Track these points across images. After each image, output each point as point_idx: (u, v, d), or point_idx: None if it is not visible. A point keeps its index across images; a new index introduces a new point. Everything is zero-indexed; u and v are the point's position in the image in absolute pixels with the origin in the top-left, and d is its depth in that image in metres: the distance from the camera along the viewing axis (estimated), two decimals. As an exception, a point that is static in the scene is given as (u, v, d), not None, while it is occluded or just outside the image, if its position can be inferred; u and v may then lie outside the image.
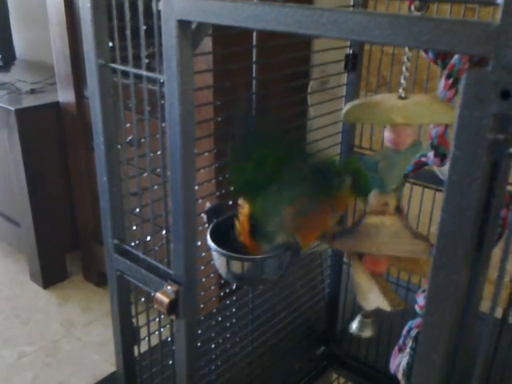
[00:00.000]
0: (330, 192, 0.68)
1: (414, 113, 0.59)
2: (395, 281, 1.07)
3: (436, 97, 0.62)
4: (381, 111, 0.60)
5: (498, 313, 0.80)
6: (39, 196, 1.74)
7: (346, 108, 0.63)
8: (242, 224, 0.71)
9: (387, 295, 0.67)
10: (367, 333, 0.76)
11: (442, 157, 0.76)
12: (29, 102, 1.72)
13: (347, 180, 0.69)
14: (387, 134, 0.64)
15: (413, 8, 0.73)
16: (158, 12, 0.56)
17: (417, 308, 0.82)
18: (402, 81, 0.63)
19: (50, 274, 1.87)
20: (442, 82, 0.74)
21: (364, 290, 0.70)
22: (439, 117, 0.60)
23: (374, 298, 0.69)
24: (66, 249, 1.90)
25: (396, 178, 0.67)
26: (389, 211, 0.67)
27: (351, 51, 0.99)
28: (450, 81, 0.73)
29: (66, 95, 1.65)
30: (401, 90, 0.62)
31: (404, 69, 0.64)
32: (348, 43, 0.99)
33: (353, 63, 1.00)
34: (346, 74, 1.02)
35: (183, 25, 0.54)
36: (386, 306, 0.68)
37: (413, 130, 0.64)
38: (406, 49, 0.66)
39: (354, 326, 0.76)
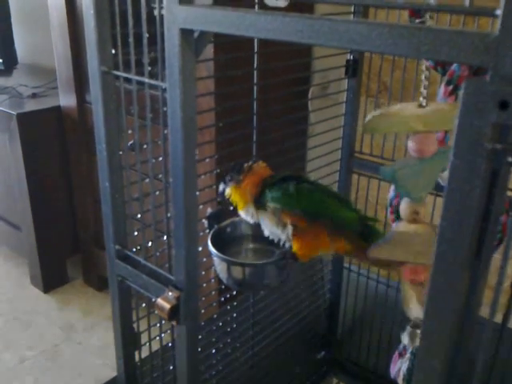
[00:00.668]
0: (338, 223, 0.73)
1: (433, 119, 0.60)
2: (395, 285, 1.07)
3: (455, 104, 0.63)
4: (401, 120, 0.61)
5: (497, 318, 0.80)
6: (40, 200, 1.75)
7: (367, 119, 0.64)
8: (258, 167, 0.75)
9: (422, 303, 0.67)
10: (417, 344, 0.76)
11: (442, 163, 0.77)
12: (30, 106, 1.73)
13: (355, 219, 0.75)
14: (410, 143, 0.65)
15: (413, 18, 0.73)
16: (161, 20, 0.57)
17: (417, 313, 0.82)
18: (422, 90, 0.64)
19: (51, 278, 1.87)
20: (442, 89, 0.74)
21: (406, 299, 0.70)
22: None
23: (414, 308, 0.69)
24: (66, 253, 1.90)
25: (423, 186, 0.66)
26: (420, 219, 0.67)
27: (352, 57, 1.00)
28: (450, 87, 0.73)
29: (67, 99, 1.66)
30: (421, 99, 0.63)
31: (423, 77, 0.65)
32: (348, 49, 0.99)
33: (353, 69, 1.01)
34: (346, 80, 1.03)
35: (186, 33, 0.54)
36: (417, 312, 0.68)
37: (435, 137, 0.65)
38: (424, 60, 0.67)
39: (406, 338, 0.75)
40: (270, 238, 0.77)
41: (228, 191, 0.76)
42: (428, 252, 0.65)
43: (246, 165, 0.75)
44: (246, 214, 0.76)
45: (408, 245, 0.66)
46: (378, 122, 0.62)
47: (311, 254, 0.77)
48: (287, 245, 0.76)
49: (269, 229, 0.76)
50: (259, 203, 0.74)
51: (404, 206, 0.68)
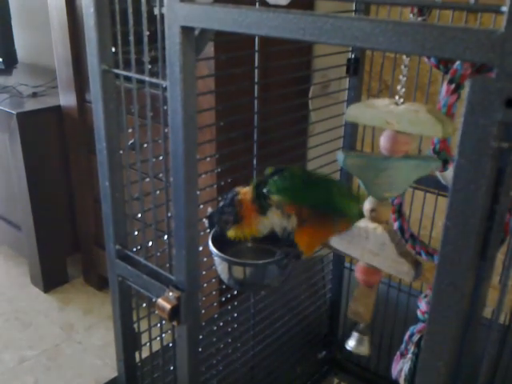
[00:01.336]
0: (338, 212, 0.72)
1: (404, 119, 0.58)
2: (397, 285, 1.07)
3: (434, 108, 0.61)
4: (378, 114, 0.60)
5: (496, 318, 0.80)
6: (40, 199, 1.74)
7: (349, 107, 0.63)
8: (244, 196, 0.74)
9: (358, 304, 0.67)
10: (363, 350, 0.74)
11: (444, 162, 0.76)
12: (30, 105, 1.73)
13: (355, 207, 0.73)
14: (381, 139, 0.63)
15: (412, 15, 0.73)
16: (162, 17, 0.56)
17: (418, 313, 0.81)
18: (399, 87, 0.63)
19: (51, 278, 1.87)
20: (444, 87, 0.74)
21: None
22: (426, 129, 0.57)
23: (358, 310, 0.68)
24: (66, 252, 1.90)
25: (385, 185, 0.63)
26: (378, 219, 0.65)
27: (353, 56, 0.99)
28: (452, 86, 0.73)
29: (67, 99, 1.66)
30: (397, 97, 0.61)
31: (401, 76, 0.64)
32: (350, 48, 0.99)
33: (354, 68, 1.00)
34: (347, 79, 1.02)
35: (187, 31, 0.54)
36: (348, 309, 0.68)
37: (409, 138, 0.61)
38: (404, 56, 0.65)
39: (351, 342, 0.74)
40: (281, 234, 0.76)
41: (232, 233, 0.75)
42: (381, 255, 0.64)
43: (236, 201, 0.74)
44: (261, 232, 0.76)
45: (364, 242, 0.65)
46: (358, 113, 0.61)
47: (315, 246, 0.77)
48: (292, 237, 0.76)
49: (278, 225, 0.75)
50: (262, 214, 0.74)
51: (366, 202, 0.66)
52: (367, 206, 0.66)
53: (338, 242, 0.67)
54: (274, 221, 0.75)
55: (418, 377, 0.42)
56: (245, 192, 0.75)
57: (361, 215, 0.71)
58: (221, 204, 0.74)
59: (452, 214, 0.36)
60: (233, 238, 0.75)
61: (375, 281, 0.69)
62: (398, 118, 0.57)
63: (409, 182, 0.64)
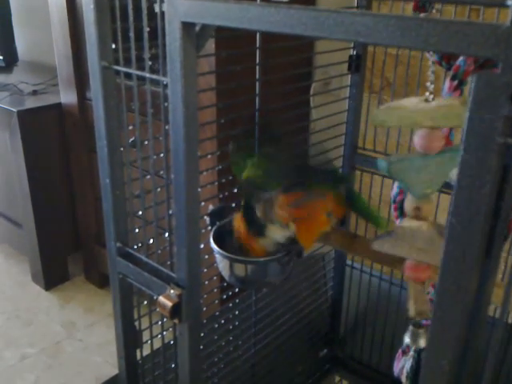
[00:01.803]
0: (324, 190, 0.73)
1: (440, 115, 0.59)
2: (398, 282, 1.07)
3: (464, 100, 0.62)
4: (407, 114, 0.60)
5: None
6: (41, 197, 1.74)
7: (376, 112, 0.63)
8: (238, 225, 0.73)
9: (418, 302, 0.66)
10: (423, 343, 0.74)
11: (447, 159, 0.76)
12: (31, 103, 1.72)
13: (342, 188, 0.74)
14: (415, 138, 0.64)
15: (414, 13, 0.72)
16: (162, 13, 0.56)
17: (421, 311, 0.81)
18: (429, 84, 0.63)
19: (52, 276, 1.87)
20: (447, 84, 0.73)
21: (408, 296, 0.69)
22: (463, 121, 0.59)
23: (411, 307, 0.68)
24: (67, 250, 1.90)
25: (427, 182, 0.65)
26: (422, 216, 0.65)
27: (355, 52, 0.99)
28: (455, 82, 0.72)
29: (68, 96, 1.65)
30: (427, 94, 0.61)
31: (430, 72, 0.64)
32: (351, 44, 0.98)
33: (356, 64, 1.00)
34: (349, 76, 1.02)
35: (187, 27, 0.53)
36: (412, 311, 0.67)
37: (442, 133, 0.63)
38: (431, 52, 0.66)
39: (408, 338, 0.74)
40: (287, 242, 0.76)
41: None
42: (430, 250, 0.64)
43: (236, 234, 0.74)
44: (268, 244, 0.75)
45: (410, 241, 0.65)
46: (385, 115, 0.61)
47: (313, 237, 0.76)
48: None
49: (280, 237, 0.75)
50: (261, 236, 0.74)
51: (407, 202, 0.67)
52: (410, 205, 0.66)
53: (381, 245, 0.67)
54: (276, 236, 0.74)
55: (422, 376, 0.42)
56: (238, 222, 0.74)
57: (350, 191, 0.72)
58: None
59: (456, 211, 0.36)
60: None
61: (427, 276, 0.69)
62: (432, 114, 0.58)
63: (446, 176, 0.66)
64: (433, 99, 0.61)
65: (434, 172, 0.64)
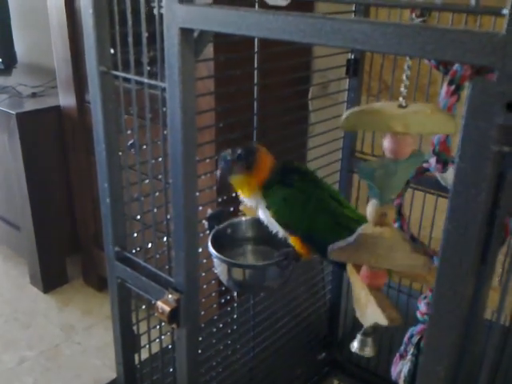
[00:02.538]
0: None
1: (413, 121, 0.58)
2: (396, 287, 1.07)
3: (437, 106, 0.61)
4: (380, 119, 0.59)
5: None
6: (39, 200, 1.74)
7: (344, 115, 0.62)
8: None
9: (385, 310, 0.65)
10: (368, 352, 0.74)
11: (443, 163, 0.76)
12: (30, 105, 1.72)
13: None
14: (386, 143, 0.63)
15: (413, 15, 0.72)
16: (161, 19, 0.56)
17: (418, 314, 0.81)
18: (402, 89, 0.62)
19: (50, 278, 1.86)
20: (444, 89, 0.73)
21: (362, 304, 0.68)
22: (439, 127, 0.58)
23: (371, 313, 0.67)
24: (66, 253, 1.90)
25: (394, 188, 0.64)
26: (387, 222, 0.65)
27: (353, 56, 0.99)
28: (452, 87, 0.72)
29: (66, 99, 1.65)
30: (401, 99, 0.61)
31: (404, 77, 0.63)
32: (350, 48, 0.98)
33: (354, 68, 1.00)
34: (347, 80, 1.02)
35: (185, 32, 0.53)
36: (383, 320, 0.65)
37: (412, 139, 0.62)
38: (407, 57, 0.65)
39: (356, 344, 0.74)
40: (269, 227, 0.77)
41: (236, 179, 0.74)
42: (390, 257, 0.64)
43: (255, 150, 0.74)
44: (250, 202, 0.76)
45: (372, 248, 0.64)
46: (355, 119, 0.61)
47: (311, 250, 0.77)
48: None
49: (268, 219, 0.75)
50: (266, 191, 0.74)
51: (372, 208, 0.65)
52: (377, 211, 0.65)
53: (340, 254, 0.66)
54: (266, 215, 0.75)
55: (418, 380, 0.42)
56: (265, 152, 0.75)
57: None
58: (238, 150, 0.73)
59: (453, 218, 0.36)
60: (232, 184, 0.75)
61: (383, 282, 0.69)
62: (406, 120, 0.57)
63: (405, 181, 0.67)
64: (406, 105, 0.61)
65: (400, 177, 0.64)
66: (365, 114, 0.60)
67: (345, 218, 0.75)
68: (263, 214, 0.76)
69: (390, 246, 0.63)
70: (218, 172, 0.75)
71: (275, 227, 0.76)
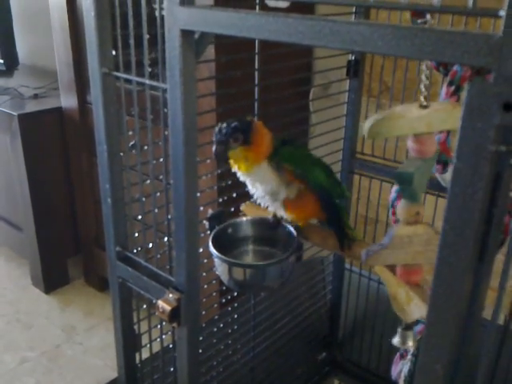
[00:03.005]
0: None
1: (436, 120, 0.59)
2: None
3: (456, 103, 0.62)
4: (404, 122, 0.60)
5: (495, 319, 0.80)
6: (41, 201, 1.75)
7: (367, 124, 0.62)
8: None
9: (423, 306, 0.66)
10: (410, 345, 0.75)
11: (443, 164, 0.77)
12: (31, 107, 1.73)
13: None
14: (411, 145, 0.63)
15: (418, 20, 0.73)
16: (162, 21, 0.57)
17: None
18: (423, 89, 0.63)
19: (52, 279, 1.87)
20: (444, 89, 0.74)
21: (402, 301, 0.68)
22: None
23: (414, 309, 0.67)
24: (67, 254, 1.90)
25: (424, 186, 0.67)
26: (420, 220, 0.66)
27: (353, 57, 0.99)
28: (452, 88, 0.73)
29: (68, 100, 1.66)
30: (422, 99, 0.62)
31: (424, 77, 0.64)
32: (350, 51, 0.99)
33: (355, 69, 1.00)
34: (348, 81, 1.02)
35: (186, 34, 0.54)
36: (417, 314, 0.67)
37: (435, 137, 0.65)
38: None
39: (396, 339, 0.75)
40: (262, 195, 0.76)
41: (235, 153, 0.72)
42: (427, 251, 0.65)
43: (252, 123, 0.73)
44: (247, 177, 0.74)
45: (407, 247, 0.65)
46: (381, 127, 0.61)
47: (308, 217, 0.79)
48: (279, 213, 0.78)
49: (266, 184, 0.74)
50: (274, 155, 0.73)
51: (405, 209, 0.66)
52: (409, 211, 0.66)
53: (376, 259, 0.67)
54: (266, 179, 0.73)
55: (416, 379, 0.42)
56: (261, 124, 0.74)
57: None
58: (233, 122, 0.72)
59: (450, 218, 0.37)
60: (230, 161, 0.74)
61: (420, 278, 0.69)
62: (429, 120, 0.58)
63: (428, 178, 0.68)
64: (427, 104, 0.61)
65: (426, 175, 0.66)
66: (387, 120, 0.61)
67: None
68: (268, 183, 0.74)
69: (426, 241, 0.63)
70: (214, 146, 0.73)
71: (282, 191, 0.74)
